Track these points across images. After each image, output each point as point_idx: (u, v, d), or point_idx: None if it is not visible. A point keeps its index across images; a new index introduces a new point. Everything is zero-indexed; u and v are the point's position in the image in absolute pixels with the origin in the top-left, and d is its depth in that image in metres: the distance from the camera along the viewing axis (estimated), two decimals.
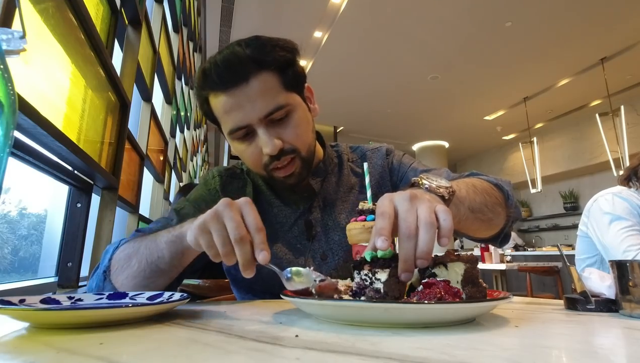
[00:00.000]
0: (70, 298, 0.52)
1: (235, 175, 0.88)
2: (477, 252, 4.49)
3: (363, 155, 0.93)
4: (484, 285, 0.47)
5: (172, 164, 2.88)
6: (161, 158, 2.44)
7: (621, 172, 1.62)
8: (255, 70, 0.68)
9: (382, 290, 0.45)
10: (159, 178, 2.44)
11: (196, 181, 5.95)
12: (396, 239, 0.47)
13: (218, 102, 0.70)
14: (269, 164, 0.72)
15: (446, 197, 0.53)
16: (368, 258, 0.47)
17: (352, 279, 0.56)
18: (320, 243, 0.81)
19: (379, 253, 0.46)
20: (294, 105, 0.73)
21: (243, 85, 0.67)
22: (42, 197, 1.34)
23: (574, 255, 1.70)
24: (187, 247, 0.56)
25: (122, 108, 1.43)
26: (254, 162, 0.74)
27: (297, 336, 0.37)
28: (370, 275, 0.47)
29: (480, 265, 4.02)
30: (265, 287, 0.78)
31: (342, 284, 0.50)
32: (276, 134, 0.70)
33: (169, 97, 2.62)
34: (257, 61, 0.68)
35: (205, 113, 0.76)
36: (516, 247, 7.00)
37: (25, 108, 0.71)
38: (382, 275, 0.46)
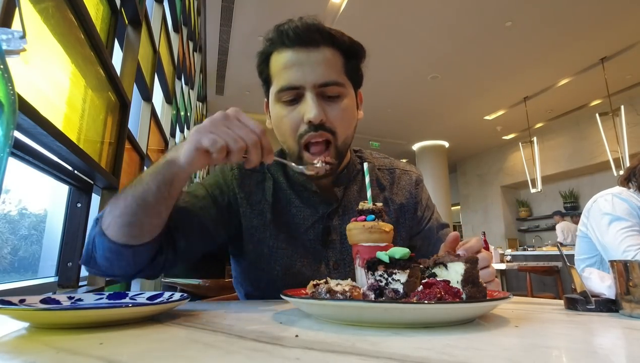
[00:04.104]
0: (70, 298, 0.52)
1: (254, 168, 0.87)
2: None
3: (392, 169, 0.91)
4: (484, 285, 0.47)
5: None
6: None
7: (621, 172, 1.62)
8: (328, 42, 0.72)
9: (402, 291, 0.46)
10: None
11: (196, 181, 5.94)
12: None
13: (281, 57, 0.72)
14: (304, 134, 0.71)
15: None
16: (386, 260, 0.47)
17: (354, 280, 0.56)
18: (335, 251, 0.79)
19: (397, 255, 0.47)
20: (348, 91, 0.75)
21: (313, 49, 0.70)
22: (42, 197, 1.34)
23: (573, 255, 1.70)
24: (176, 171, 0.57)
25: (122, 108, 1.43)
26: (291, 128, 0.72)
27: (297, 336, 0.37)
28: (385, 275, 0.48)
29: None
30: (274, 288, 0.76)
31: (345, 284, 0.50)
32: (323, 108, 0.71)
33: (169, 96, 2.62)
34: (332, 37, 0.72)
35: (260, 71, 0.78)
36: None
37: (25, 108, 0.71)
38: (402, 276, 0.47)
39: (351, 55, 0.75)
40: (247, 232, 0.79)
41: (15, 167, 0.93)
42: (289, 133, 0.73)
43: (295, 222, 0.80)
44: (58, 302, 0.50)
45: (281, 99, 0.72)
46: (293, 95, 0.71)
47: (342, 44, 0.73)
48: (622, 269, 0.51)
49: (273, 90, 0.74)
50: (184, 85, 3.42)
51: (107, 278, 1.35)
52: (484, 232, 3.97)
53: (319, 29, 0.71)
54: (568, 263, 0.62)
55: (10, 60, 0.33)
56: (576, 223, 5.88)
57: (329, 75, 0.71)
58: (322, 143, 0.72)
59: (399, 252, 0.47)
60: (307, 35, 0.70)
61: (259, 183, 0.83)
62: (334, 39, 0.72)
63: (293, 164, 0.70)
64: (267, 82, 0.77)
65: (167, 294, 0.54)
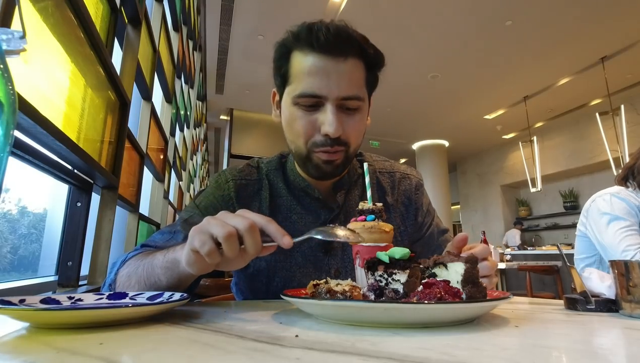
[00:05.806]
0: (70, 298, 0.52)
1: (250, 176, 0.83)
2: None
3: (392, 172, 0.90)
4: (484, 284, 0.47)
5: (172, 163, 2.88)
6: (161, 157, 2.44)
7: (619, 171, 1.62)
8: (356, 53, 0.70)
9: (402, 291, 0.47)
10: (159, 177, 2.43)
11: (196, 180, 5.94)
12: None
13: (306, 60, 0.69)
14: (319, 145, 0.70)
15: None
16: (386, 260, 0.47)
17: (354, 281, 0.56)
18: (336, 259, 0.78)
19: (397, 255, 0.47)
20: (365, 104, 0.75)
21: (341, 59, 0.68)
22: (42, 196, 1.34)
23: (573, 255, 1.70)
24: (182, 271, 0.54)
25: (122, 107, 1.43)
26: (305, 132, 0.71)
27: (297, 336, 0.37)
28: (385, 276, 0.48)
29: None
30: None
31: (345, 284, 0.50)
32: (341, 121, 0.70)
33: (169, 95, 2.62)
34: (361, 47, 0.70)
35: (278, 65, 0.75)
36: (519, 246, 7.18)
37: (25, 107, 0.70)
38: (402, 276, 0.47)
39: (373, 65, 0.74)
40: None
41: (15, 166, 0.93)
42: (301, 136, 0.72)
43: (296, 229, 0.78)
44: (58, 302, 0.50)
45: (299, 103, 0.71)
46: (313, 103, 0.70)
47: (367, 55, 0.72)
48: (622, 269, 0.51)
49: (291, 90, 0.72)
50: (183, 84, 3.41)
51: None
52: (484, 232, 3.96)
53: (350, 37, 0.69)
54: (568, 263, 0.63)
55: (10, 60, 0.33)
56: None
57: (352, 90, 0.70)
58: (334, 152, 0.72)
59: (399, 252, 0.47)
60: (337, 43, 0.67)
61: (256, 193, 0.81)
62: (362, 50, 0.70)
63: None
64: (283, 77, 0.74)
65: (167, 294, 0.54)
